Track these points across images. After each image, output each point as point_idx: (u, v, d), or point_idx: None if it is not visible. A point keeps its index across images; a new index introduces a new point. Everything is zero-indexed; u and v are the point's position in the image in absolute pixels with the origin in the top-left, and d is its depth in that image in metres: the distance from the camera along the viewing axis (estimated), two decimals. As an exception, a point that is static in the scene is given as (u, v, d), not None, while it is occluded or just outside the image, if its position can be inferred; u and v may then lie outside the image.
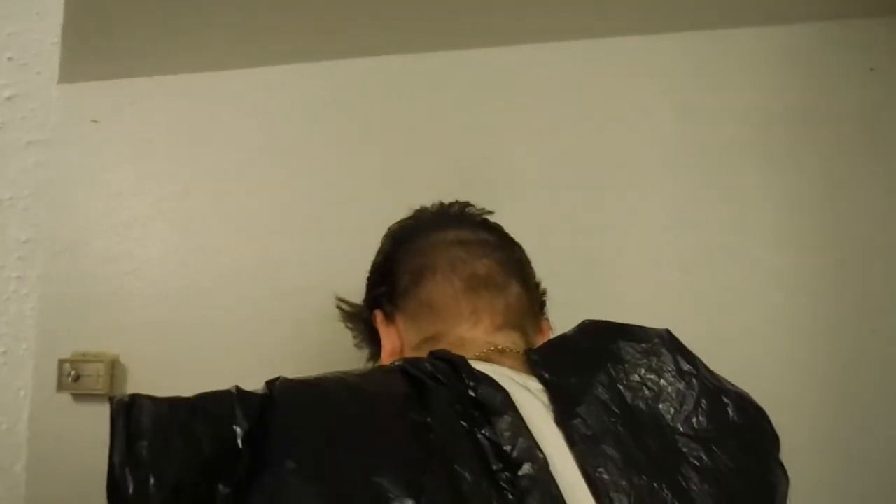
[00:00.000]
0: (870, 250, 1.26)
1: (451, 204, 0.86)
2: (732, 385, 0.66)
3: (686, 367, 0.63)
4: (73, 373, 1.45)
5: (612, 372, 0.60)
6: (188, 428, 0.49)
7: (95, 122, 1.55)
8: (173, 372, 1.44)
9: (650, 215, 1.34)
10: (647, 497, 0.52)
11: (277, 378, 0.53)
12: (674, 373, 0.62)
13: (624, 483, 0.52)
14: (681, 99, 1.36)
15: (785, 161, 1.31)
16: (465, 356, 0.59)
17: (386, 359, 0.78)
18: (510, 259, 0.78)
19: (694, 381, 0.62)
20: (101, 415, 1.45)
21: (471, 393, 0.52)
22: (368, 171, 1.44)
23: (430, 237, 0.79)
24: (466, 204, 0.86)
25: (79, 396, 1.48)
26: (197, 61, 1.49)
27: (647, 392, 0.60)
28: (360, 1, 1.26)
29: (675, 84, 1.36)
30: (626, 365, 0.61)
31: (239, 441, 0.48)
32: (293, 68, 1.49)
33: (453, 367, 0.55)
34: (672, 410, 0.59)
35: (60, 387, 1.46)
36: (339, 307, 0.89)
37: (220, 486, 0.46)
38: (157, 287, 1.49)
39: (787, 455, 1.20)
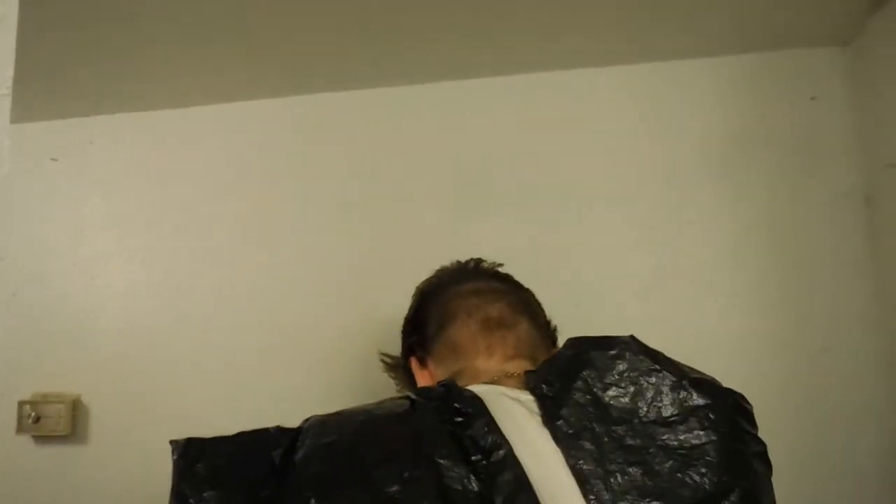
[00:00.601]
0: (817, 272, 1.30)
1: (467, 261, 1.03)
2: (696, 372, 0.76)
3: (650, 365, 0.73)
4: (33, 414, 1.43)
5: (588, 378, 0.72)
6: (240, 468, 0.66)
7: (55, 160, 1.55)
8: (137, 411, 1.43)
9: (606, 240, 1.37)
10: (621, 478, 0.64)
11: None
12: (640, 371, 0.73)
13: (600, 471, 0.65)
14: (633, 127, 1.40)
15: (734, 186, 1.35)
16: (477, 382, 0.77)
17: None
18: (519, 301, 0.93)
19: (657, 376, 0.73)
20: (63, 457, 1.43)
21: (455, 405, 0.67)
22: (330, 204, 1.46)
23: (450, 290, 0.96)
24: (480, 260, 1.03)
25: (40, 438, 1.45)
26: (158, 99, 1.49)
27: (618, 391, 0.71)
28: (319, 37, 1.28)
29: (626, 114, 1.40)
30: (598, 371, 0.72)
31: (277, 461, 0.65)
32: (254, 105, 1.50)
33: (447, 389, 0.70)
34: (642, 403, 0.70)
35: (20, 429, 1.43)
36: (382, 360, 1.05)
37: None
38: (120, 324, 1.47)
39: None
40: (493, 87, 1.44)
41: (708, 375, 0.77)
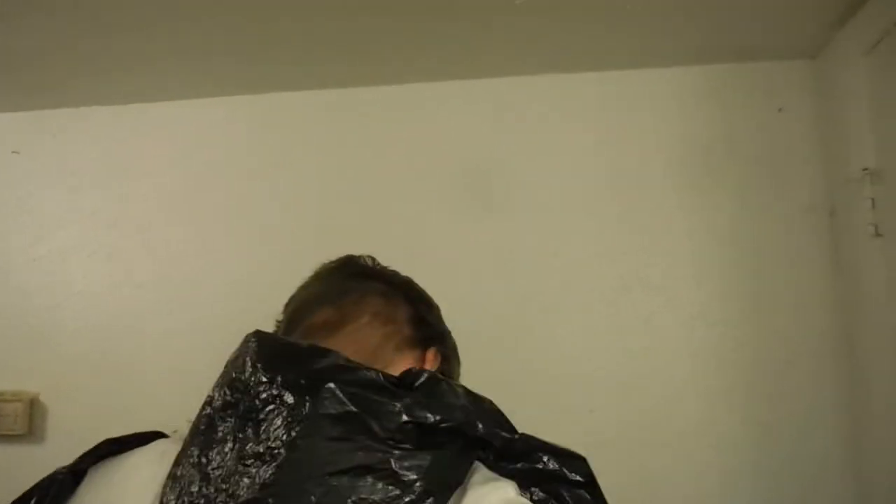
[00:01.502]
0: (780, 284, 1.32)
1: (335, 262, 0.88)
2: None
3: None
4: (-11, 412, 1.40)
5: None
6: None
7: (16, 153, 1.51)
8: (96, 410, 1.40)
9: (571, 249, 1.37)
10: None
11: None
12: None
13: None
14: (599, 136, 1.40)
15: (700, 196, 1.36)
16: None
17: None
18: (360, 300, 0.79)
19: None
20: (20, 456, 1.40)
21: None
22: (294, 202, 1.45)
23: (295, 301, 0.85)
24: (349, 258, 0.88)
25: (-5, 436, 1.42)
26: (124, 93, 1.47)
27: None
28: (294, 35, 1.27)
29: (592, 121, 1.41)
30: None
31: None
32: (220, 101, 1.48)
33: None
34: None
35: (-24, 427, 1.41)
36: None
37: None
38: (80, 323, 1.45)
39: (710, 485, 1.24)
40: (462, 90, 1.43)
41: None
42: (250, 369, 0.63)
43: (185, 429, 0.68)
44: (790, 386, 1.29)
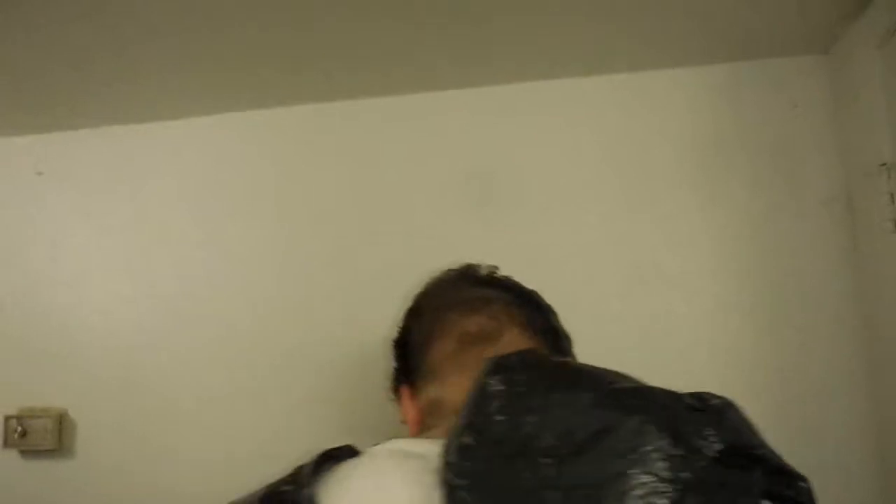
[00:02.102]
0: (796, 277, 1.31)
1: (454, 269, 0.91)
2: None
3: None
4: (19, 429, 1.43)
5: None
6: None
7: (40, 174, 1.55)
8: (124, 426, 1.43)
9: (587, 242, 1.37)
10: None
11: None
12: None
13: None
14: (609, 138, 1.40)
15: (717, 191, 1.36)
16: (443, 416, 0.71)
17: (412, 428, 0.80)
18: (507, 308, 0.80)
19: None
20: (49, 471, 1.43)
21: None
22: (310, 214, 1.46)
23: (430, 308, 0.85)
24: (469, 266, 0.91)
25: (26, 453, 1.45)
26: (143, 111, 1.50)
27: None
28: (299, 49, 1.28)
29: (603, 124, 1.41)
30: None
31: None
32: (238, 116, 1.50)
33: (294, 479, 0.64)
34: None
35: (7, 443, 1.44)
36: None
37: None
38: (104, 338, 1.48)
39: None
40: (474, 98, 1.44)
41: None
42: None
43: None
44: (808, 376, 1.28)
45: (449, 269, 0.91)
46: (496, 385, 0.61)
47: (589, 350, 1.31)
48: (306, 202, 1.47)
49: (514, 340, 0.76)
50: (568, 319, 1.32)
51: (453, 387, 0.74)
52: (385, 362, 0.90)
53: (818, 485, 1.20)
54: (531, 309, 0.83)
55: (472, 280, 0.88)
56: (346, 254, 1.43)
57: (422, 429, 0.77)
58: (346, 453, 0.70)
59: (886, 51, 1.13)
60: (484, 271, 0.90)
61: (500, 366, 0.63)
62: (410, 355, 0.84)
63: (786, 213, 1.34)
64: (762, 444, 0.60)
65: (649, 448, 0.53)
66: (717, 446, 0.55)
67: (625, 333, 1.34)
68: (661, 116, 1.39)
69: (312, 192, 1.47)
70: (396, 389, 0.87)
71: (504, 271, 1.35)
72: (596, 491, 0.51)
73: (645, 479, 0.51)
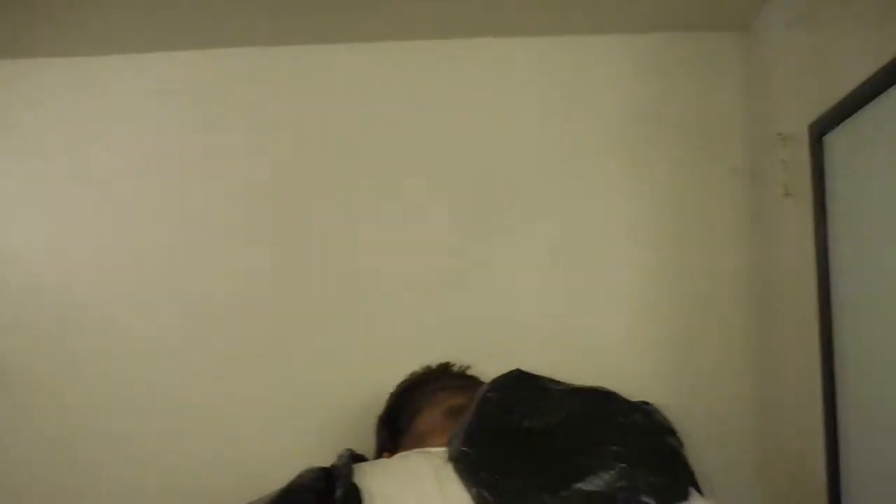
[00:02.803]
0: (706, 243, 1.41)
1: (437, 365, 1.20)
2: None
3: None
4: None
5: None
6: None
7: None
8: (45, 369, 1.41)
9: (511, 211, 1.43)
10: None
11: None
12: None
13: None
14: (538, 99, 1.45)
15: (637, 162, 1.43)
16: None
17: None
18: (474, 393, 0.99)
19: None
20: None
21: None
22: (251, 158, 1.46)
23: (419, 389, 1.11)
24: (448, 364, 1.20)
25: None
26: (79, 44, 1.44)
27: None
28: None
29: (531, 85, 1.46)
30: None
31: None
32: (188, 55, 1.46)
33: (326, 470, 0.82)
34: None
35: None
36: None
37: None
38: (29, 280, 1.44)
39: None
40: (394, 52, 1.45)
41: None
42: None
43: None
44: (708, 328, 1.39)
45: (429, 366, 1.20)
46: (492, 393, 0.87)
47: (511, 310, 1.40)
48: (247, 145, 1.47)
49: None
50: (492, 281, 1.40)
51: (436, 441, 0.92)
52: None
53: (706, 430, 1.31)
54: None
55: (450, 374, 1.17)
56: (285, 195, 1.46)
57: None
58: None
59: (795, 31, 1.21)
60: (458, 369, 1.19)
61: (495, 382, 0.90)
62: (398, 425, 1.08)
63: (698, 181, 1.43)
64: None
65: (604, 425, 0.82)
66: (640, 418, 0.83)
67: (549, 299, 1.42)
68: (588, 82, 1.45)
69: (254, 135, 1.47)
70: (378, 456, 1.10)
71: (431, 229, 1.41)
72: (569, 458, 0.77)
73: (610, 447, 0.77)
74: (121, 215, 1.46)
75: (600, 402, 0.85)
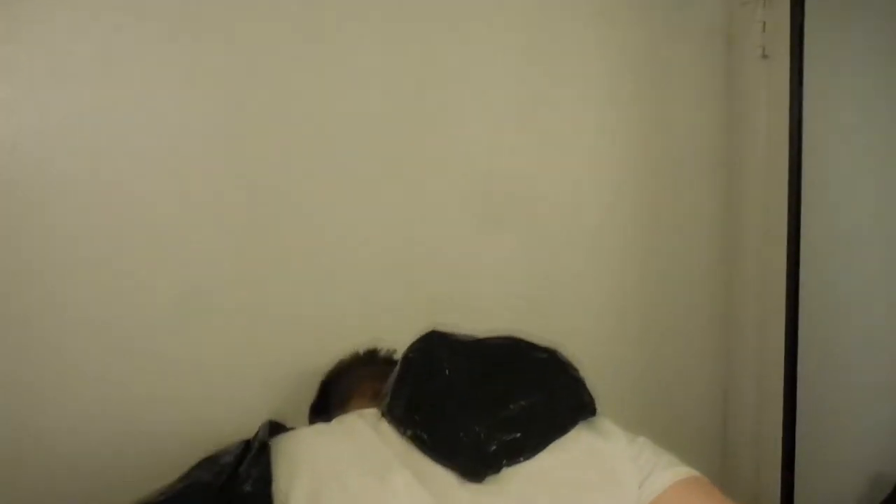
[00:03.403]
0: (680, 103, 1.43)
1: (364, 352, 1.19)
2: None
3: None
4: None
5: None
6: None
7: None
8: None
9: (485, 68, 1.39)
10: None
11: None
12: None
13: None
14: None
15: (618, 21, 1.41)
16: None
17: None
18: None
19: None
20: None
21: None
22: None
23: (347, 376, 1.13)
24: (375, 349, 1.19)
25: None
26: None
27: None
28: None
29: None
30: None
31: None
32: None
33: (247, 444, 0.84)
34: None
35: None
36: None
37: None
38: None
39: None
40: None
41: None
42: None
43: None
44: (680, 185, 1.44)
45: (357, 352, 1.19)
46: (412, 354, 0.92)
47: (479, 163, 1.38)
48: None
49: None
50: (463, 138, 1.37)
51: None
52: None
53: (677, 271, 1.37)
54: None
55: (377, 360, 1.17)
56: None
57: None
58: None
59: None
60: (384, 353, 1.19)
61: (413, 344, 0.94)
62: (329, 412, 1.07)
63: (674, 43, 1.43)
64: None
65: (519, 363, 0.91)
66: (547, 356, 0.90)
67: (518, 155, 1.41)
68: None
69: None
70: None
71: (395, 93, 1.36)
72: (492, 393, 0.85)
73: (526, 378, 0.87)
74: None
75: (512, 344, 0.93)
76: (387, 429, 0.83)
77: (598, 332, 1.44)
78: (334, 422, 0.92)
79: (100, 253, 1.22)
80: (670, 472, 0.77)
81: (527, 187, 1.42)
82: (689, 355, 1.48)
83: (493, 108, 1.40)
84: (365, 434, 0.83)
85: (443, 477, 0.77)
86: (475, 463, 0.77)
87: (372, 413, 0.88)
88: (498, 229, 1.40)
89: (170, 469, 0.82)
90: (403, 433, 0.81)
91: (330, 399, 1.13)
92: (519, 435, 0.79)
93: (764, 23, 1.17)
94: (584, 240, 1.44)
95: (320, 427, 0.89)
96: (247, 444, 0.83)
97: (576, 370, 0.90)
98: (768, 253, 1.19)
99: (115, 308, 1.21)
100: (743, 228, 1.36)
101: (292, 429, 0.91)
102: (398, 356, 1.10)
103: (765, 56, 1.17)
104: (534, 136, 1.41)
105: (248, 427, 0.89)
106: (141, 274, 1.23)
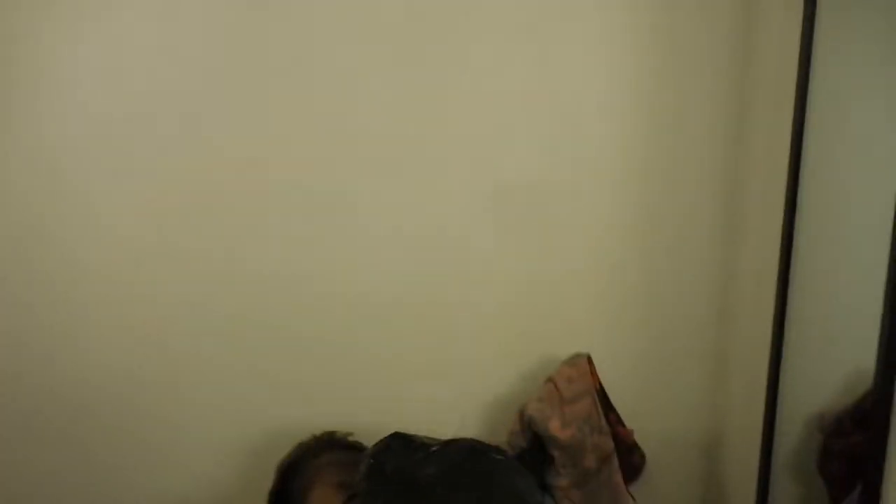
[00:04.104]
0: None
1: (321, 435, 1.23)
2: None
3: None
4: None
5: None
6: None
7: None
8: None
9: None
10: None
11: None
12: None
13: None
14: None
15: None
16: None
17: None
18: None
19: None
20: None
21: None
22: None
23: (310, 464, 1.16)
24: (333, 432, 1.23)
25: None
26: None
27: None
28: None
29: None
30: None
31: None
32: None
33: None
34: None
35: None
36: None
37: None
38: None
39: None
40: None
41: None
42: None
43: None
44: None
45: (314, 435, 1.23)
46: (373, 459, 1.02)
47: (487, 84, 1.34)
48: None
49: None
50: (470, 51, 1.32)
51: None
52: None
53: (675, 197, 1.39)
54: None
55: (337, 443, 1.21)
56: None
57: None
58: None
59: None
60: (342, 436, 1.23)
61: (376, 447, 1.05)
62: (289, 498, 1.14)
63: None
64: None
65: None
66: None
67: (526, 69, 1.37)
68: None
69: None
70: None
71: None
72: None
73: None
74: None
75: (469, 448, 1.04)
76: None
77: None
78: None
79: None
80: None
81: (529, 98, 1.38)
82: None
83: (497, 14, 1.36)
84: None
85: None
86: None
87: None
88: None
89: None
90: None
91: (291, 488, 1.15)
92: None
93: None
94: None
95: None
96: None
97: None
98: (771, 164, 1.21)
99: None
100: (748, 150, 1.35)
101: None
102: (354, 439, 1.23)
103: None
104: (542, 47, 1.38)
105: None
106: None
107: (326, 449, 1.18)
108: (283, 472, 1.17)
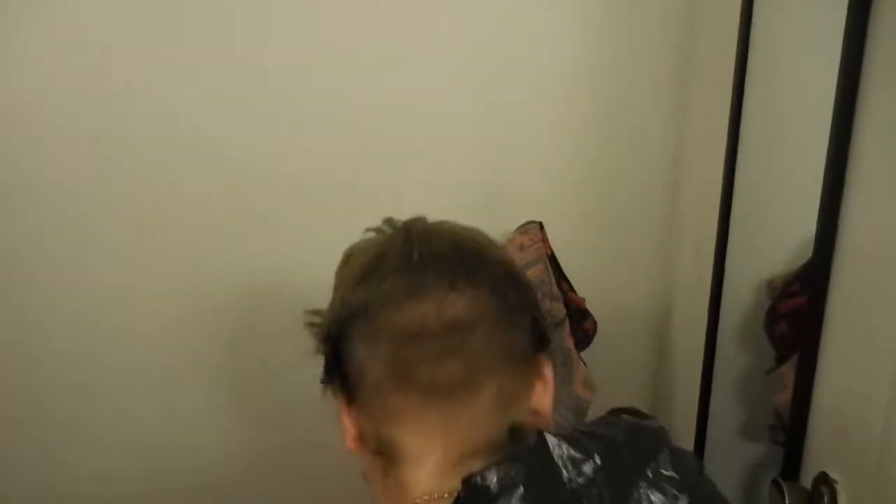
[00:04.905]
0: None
1: (406, 240, 0.68)
2: None
3: None
4: None
5: None
6: None
7: None
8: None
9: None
10: None
11: None
12: None
13: None
14: None
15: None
16: None
17: (350, 443, 0.71)
18: (485, 338, 0.65)
19: None
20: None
21: None
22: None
23: (383, 318, 0.65)
24: (425, 232, 0.70)
25: None
26: None
27: None
28: None
29: None
30: None
31: None
32: None
33: None
34: None
35: None
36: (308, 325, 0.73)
37: None
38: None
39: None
40: None
41: None
42: None
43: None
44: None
45: (404, 236, 0.69)
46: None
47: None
48: None
49: (497, 393, 0.65)
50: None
51: (406, 465, 0.66)
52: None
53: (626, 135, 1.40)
54: (509, 309, 0.67)
55: (429, 265, 0.66)
56: None
57: (381, 473, 0.68)
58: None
59: None
60: (436, 242, 0.68)
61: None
62: (348, 373, 0.67)
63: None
64: None
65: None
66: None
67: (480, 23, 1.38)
68: None
69: None
70: (327, 381, 0.72)
71: None
72: None
73: None
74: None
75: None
76: None
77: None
78: None
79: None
80: None
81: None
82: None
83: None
84: None
85: None
86: None
87: None
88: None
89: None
90: None
91: (355, 375, 0.67)
92: None
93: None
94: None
95: None
96: None
97: None
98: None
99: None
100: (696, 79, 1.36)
101: None
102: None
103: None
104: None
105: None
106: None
107: (417, 287, 0.65)
108: (345, 304, 0.68)
